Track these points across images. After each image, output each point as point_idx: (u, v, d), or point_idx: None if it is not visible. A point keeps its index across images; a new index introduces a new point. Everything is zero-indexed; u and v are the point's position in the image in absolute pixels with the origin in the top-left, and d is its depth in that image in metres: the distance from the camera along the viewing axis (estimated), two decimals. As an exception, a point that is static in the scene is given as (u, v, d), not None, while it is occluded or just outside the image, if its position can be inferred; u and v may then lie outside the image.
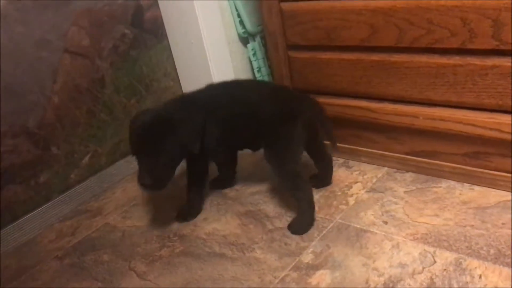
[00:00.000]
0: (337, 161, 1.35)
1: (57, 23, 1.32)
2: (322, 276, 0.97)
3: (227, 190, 1.35)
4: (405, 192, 1.17)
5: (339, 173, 1.30)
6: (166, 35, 1.60)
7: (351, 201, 1.18)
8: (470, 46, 1.00)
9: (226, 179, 1.36)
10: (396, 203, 1.14)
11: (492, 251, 0.94)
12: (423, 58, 1.08)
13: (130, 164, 1.52)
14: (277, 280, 0.99)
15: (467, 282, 0.88)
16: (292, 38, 1.28)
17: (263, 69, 1.62)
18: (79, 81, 1.40)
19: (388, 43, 1.11)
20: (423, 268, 0.94)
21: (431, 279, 0.91)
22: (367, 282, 0.93)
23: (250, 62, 1.61)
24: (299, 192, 1.11)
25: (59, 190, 1.40)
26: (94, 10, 1.40)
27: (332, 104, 1.27)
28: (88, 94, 1.43)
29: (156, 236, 1.21)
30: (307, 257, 1.03)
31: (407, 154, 1.23)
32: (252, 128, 1.13)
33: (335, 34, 1.19)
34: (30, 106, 1.30)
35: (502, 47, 0.96)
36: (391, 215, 1.10)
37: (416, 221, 1.07)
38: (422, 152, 1.20)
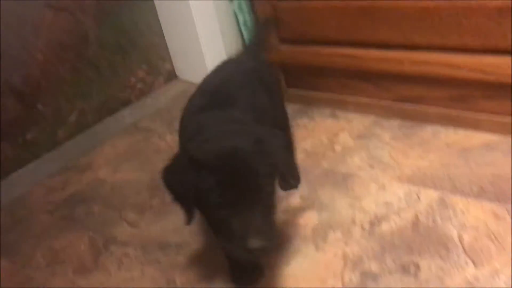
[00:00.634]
0: (324, 111, 1.36)
1: (36, -24, 1.29)
2: (310, 217, 0.99)
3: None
4: (391, 137, 1.19)
5: (327, 122, 1.31)
6: (149, -11, 1.57)
7: (338, 148, 1.20)
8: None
9: None
10: (382, 148, 1.15)
11: (475, 188, 0.97)
12: (408, 2, 1.07)
13: (117, 121, 1.52)
14: (266, 223, 1.00)
15: (449, 217, 0.91)
16: (278, -13, 1.27)
17: (249, 22, 1.60)
18: (63, 37, 1.38)
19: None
20: (408, 206, 0.96)
21: (416, 215, 0.93)
22: (353, 221, 0.96)
23: (236, 15, 1.59)
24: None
25: (47, 147, 1.39)
26: (74, -38, 1.36)
27: (319, 53, 1.28)
28: (72, 50, 1.41)
29: (146, 187, 1.22)
30: (294, 201, 1.05)
31: (394, 100, 1.24)
32: None
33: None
34: (13, 62, 1.28)
35: (487, -14, 0.95)
36: (377, 160, 1.12)
37: (402, 164, 1.08)
38: (408, 98, 1.21)
